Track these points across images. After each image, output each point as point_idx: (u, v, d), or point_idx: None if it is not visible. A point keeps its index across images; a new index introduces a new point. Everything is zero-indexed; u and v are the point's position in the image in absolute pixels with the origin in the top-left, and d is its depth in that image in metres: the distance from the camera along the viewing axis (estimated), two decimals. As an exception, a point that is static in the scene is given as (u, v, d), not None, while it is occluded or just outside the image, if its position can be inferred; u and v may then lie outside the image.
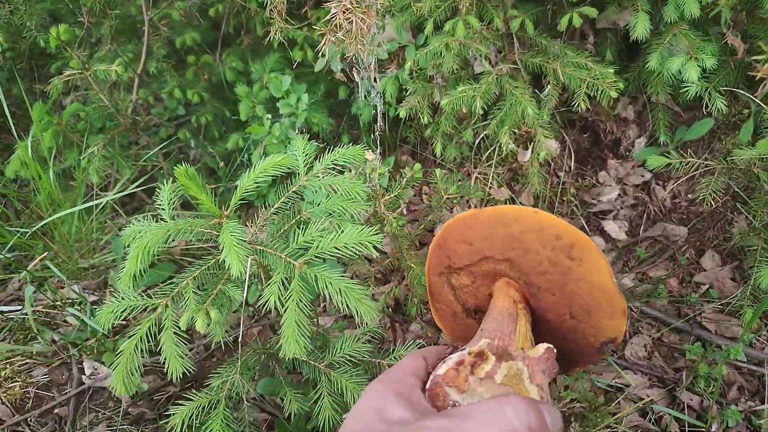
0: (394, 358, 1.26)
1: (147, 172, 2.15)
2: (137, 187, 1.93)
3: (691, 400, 1.43)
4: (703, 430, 1.36)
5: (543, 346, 0.64)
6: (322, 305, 1.83)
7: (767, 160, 1.41)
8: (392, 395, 0.57)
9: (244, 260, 1.04)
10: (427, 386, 0.61)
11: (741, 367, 1.49)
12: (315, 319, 1.54)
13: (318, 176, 1.27)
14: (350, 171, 1.63)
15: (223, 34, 2.43)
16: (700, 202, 1.56)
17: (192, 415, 1.17)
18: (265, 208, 1.30)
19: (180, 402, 1.20)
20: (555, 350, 0.65)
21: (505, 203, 1.95)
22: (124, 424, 1.45)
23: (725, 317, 1.57)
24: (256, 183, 1.15)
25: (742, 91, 1.57)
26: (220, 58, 2.37)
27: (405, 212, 2.11)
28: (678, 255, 1.74)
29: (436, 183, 1.81)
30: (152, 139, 2.17)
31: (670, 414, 1.39)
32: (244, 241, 1.09)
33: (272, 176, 1.15)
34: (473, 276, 0.78)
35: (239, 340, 1.36)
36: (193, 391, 1.22)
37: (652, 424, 1.41)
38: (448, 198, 1.83)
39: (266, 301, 1.09)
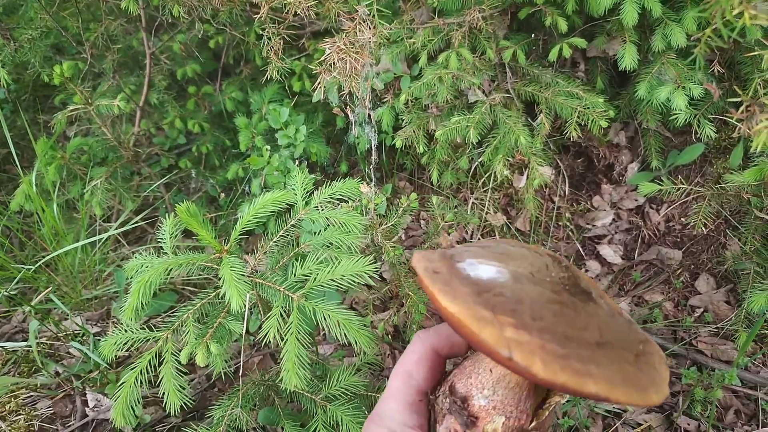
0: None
1: (149, 202, 2.18)
2: (140, 219, 1.96)
3: (689, 424, 1.44)
4: (701, 455, 1.38)
5: (553, 403, 0.59)
6: (321, 333, 1.85)
7: (756, 186, 1.44)
8: None
9: (244, 295, 1.07)
10: None
11: (737, 390, 1.50)
12: (314, 348, 1.56)
13: (317, 208, 1.30)
14: (347, 202, 1.66)
15: (223, 64, 2.48)
16: (694, 225, 1.59)
17: (192, 448, 1.19)
18: (266, 235, 1.33)
19: (182, 434, 1.22)
20: (560, 398, 0.60)
21: (502, 229, 1.98)
22: (126, 456, 1.46)
23: (720, 340, 1.59)
24: (255, 218, 1.18)
25: (730, 118, 1.60)
26: (220, 89, 2.42)
27: (403, 237, 2.14)
28: (673, 278, 1.76)
29: (433, 209, 1.84)
30: (153, 170, 2.21)
31: (667, 439, 1.40)
32: (244, 275, 1.12)
33: (271, 212, 1.19)
34: None
35: (240, 372, 1.38)
36: (192, 425, 1.23)
37: (650, 449, 1.42)
38: (445, 223, 1.86)
39: (266, 334, 1.12)
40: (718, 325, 1.62)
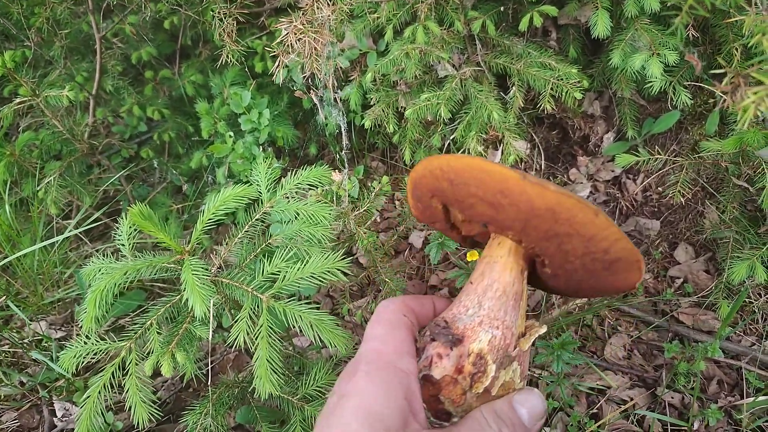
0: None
1: (110, 196, 2.08)
2: (101, 213, 1.87)
3: (672, 398, 1.43)
4: (686, 428, 1.37)
5: (534, 333, 0.60)
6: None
7: (733, 154, 1.41)
8: (388, 399, 0.50)
9: (208, 300, 1.00)
10: (419, 370, 0.56)
11: (719, 361, 1.49)
12: (290, 341, 1.51)
13: (286, 197, 1.24)
14: (317, 188, 1.59)
15: (181, 45, 2.36)
16: (672, 195, 1.55)
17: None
18: (235, 225, 1.26)
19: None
20: (540, 328, 0.61)
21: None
22: (99, 466, 1.40)
23: (701, 311, 1.58)
24: (217, 216, 1.11)
25: (706, 85, 1.56)
26: (179, 72, 2.30)
27: (378, 220, 2.09)
28: (652, 249, 1.74)
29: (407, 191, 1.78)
30: (113, 161, 2.10)
31: (652, 416, 1.39)
32: (208, 277, 1.05)
33: (233, 208, 1.12)
34: (477, 224, 0.65)
35: (214, 372, 1.32)
36: (166, 433, 1.18)
37: (635, 425, 1.41)
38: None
39: (236, 338, 1.06)
40: (699, 296, 1.61)
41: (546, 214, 0.54)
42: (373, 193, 1.57)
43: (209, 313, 0.99)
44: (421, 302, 0.63)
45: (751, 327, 1.54)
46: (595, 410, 1.46)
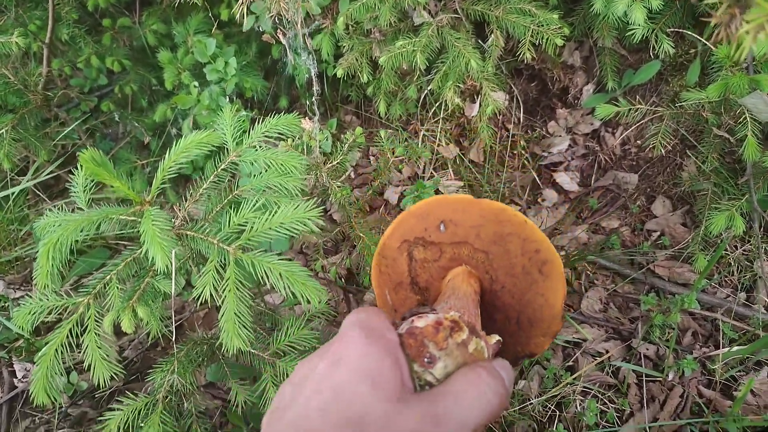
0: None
1: (69, 150, 1.98)
2: (57, 169, 1.77)
3: (648, 349, 1.43)
4: (660, 379, 1.37)
5: (496, 337, 0.66)
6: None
7: (715, 103, 1.38)
8: (385, 358, 0.51)
9: (169, 251, 0.94)
10: (401, 330, 0.59)
11: (694, 313, 1.49)
12: (261, 299, 1.46)
13: (254, 147, 1.17)
14: (287, 140, 1.52)
15: (142, -8, 2.22)
16: (650, 147, 1.53)
17: (128, 419, 1.09)
18: (202, 179, 1.20)
19: (120, 400, 1.13)
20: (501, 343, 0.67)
21: (455, 161, 1.88)
22: (63, 427, 1.36)
23: (678, 264, 1.57)
24: (178, 164, 1.04)
25: (689, 32, 1.52)
26: (140, 20, 2.17)
27: (353, 176, 2.03)
28: (629, 203, 1.72)
29: (382, 144, 1.73)
30: (72, 115, 1.99)
31: (627, 367, 1.39)
32: (170, 229, 0.99)
33: (196, 156, 1.05)
34: (440, 254, 0.78)
35: (182, 329, 1.27)
36: (129, 393, 1.13)
37: (610, 376, 1.41)
38: (395, 158, 1.75)
39: (201, 292, 1.00)
40: (676, 249, 1.60)
41: (492, 218, 0.71)
42: (347, 145, 1.51)
43: (171, 265, 0.93)
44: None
45: (726, 279, 1.54)
46: (570, 363, 1.45)
